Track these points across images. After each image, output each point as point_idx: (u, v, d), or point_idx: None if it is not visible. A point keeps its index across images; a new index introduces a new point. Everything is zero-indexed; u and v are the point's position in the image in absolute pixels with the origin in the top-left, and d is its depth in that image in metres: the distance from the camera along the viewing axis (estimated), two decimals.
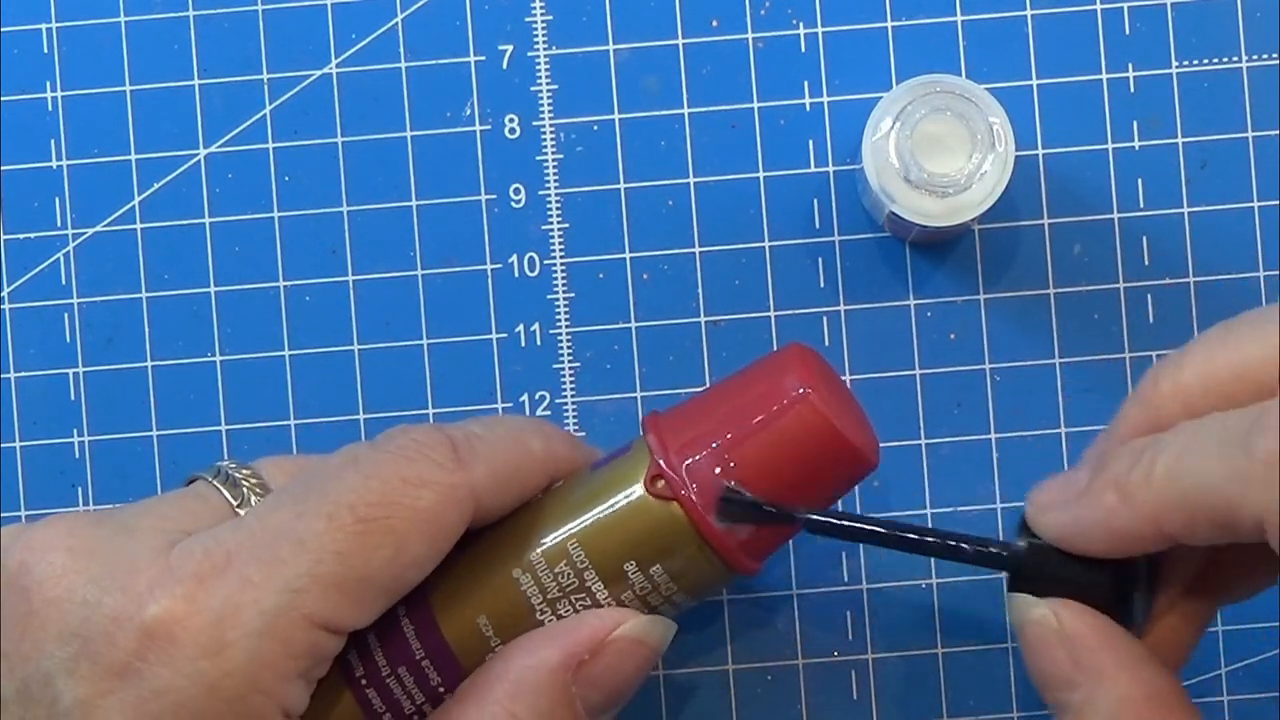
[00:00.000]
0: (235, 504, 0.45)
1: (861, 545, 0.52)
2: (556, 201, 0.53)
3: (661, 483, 0.45)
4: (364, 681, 0.46)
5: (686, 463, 0.45)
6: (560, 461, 0.46)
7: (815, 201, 0.53)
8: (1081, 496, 0.43)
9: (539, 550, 0.45)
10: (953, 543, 0.45)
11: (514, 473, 0.45)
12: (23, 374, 0.53)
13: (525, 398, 0.53)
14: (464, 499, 0.44)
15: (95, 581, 0.42)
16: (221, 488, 0.45)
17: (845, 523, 0.45)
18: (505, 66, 0.53)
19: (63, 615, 0.42)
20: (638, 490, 0.45)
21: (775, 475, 0.45)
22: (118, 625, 0.41)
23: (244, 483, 0.45)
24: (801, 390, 0.45)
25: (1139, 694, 0.42)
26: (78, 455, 0.53)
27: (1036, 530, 0.44)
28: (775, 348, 0.53)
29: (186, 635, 0.41)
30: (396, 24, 0.53)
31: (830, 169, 0.53)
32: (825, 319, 0.53)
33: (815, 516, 0.45)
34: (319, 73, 0.53)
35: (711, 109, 0.53)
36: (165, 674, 0.41)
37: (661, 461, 0.45)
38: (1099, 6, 0.53)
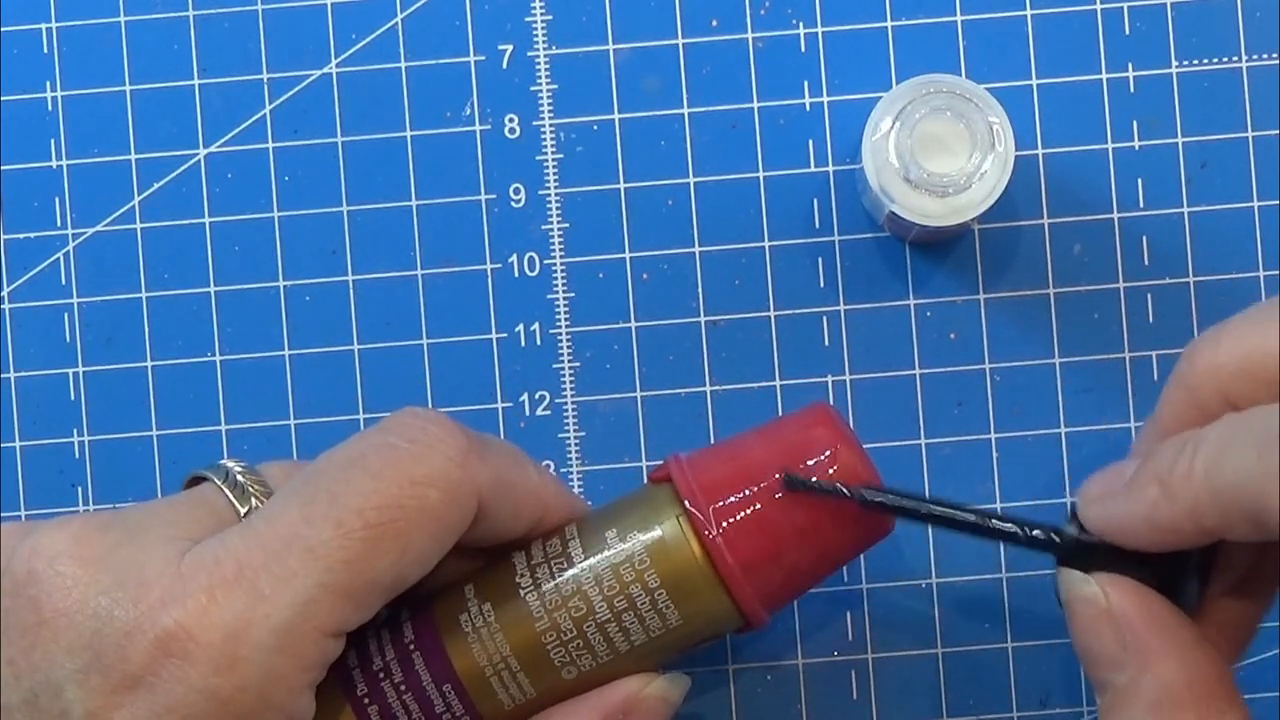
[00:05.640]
0: (242, 512, 0.45)
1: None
2: (556, 201, 0.53)
3: (687, 524, 0.45)
4: (366, 701, 0.46)
5: (713, 507, 0.45)
6: (549, 498, 0.46)
7: (815, 201, 0.53)
8: (1127, 489, 0.42)
9: (553, 584, 0.45)
10: (1006, 527, 0.45)
11: (514, 486, 0.45)
12: (23, 374, 0.53)
13: (525, 398, 0.53)
14: (469, 496, 0.44)
15: (106, 593, 0.42)
16: (229, 493, 0.45)
17: (903, 503, 0.45)
18: (505, 66, 0.53)
19: (74, 627, 0.42)
20: (661, 531, 0.45)
21: (799, 529, 0.45)
22: (129, 638, 0.41)
23: (250, 489, 0.45)
24: (836, 448, 0.45)
25: (1183, 679, 0.42)
26: (78, 455, 0.53)
27: (1084, 523, 0.44)
28: (775, 348, 0.53)
29: (199, 650, 0.41)
30: (396, 24, 0.53)
31: (830, 169, 0.53)
32: (825, 319, 0.53)
33: (874, 497, 0.45)
34: (319, 73, 0.53)
35: (711, 109, 0.53)
36: (178, 689, 0.41)
37: (688, 503, 0.45)
38: (1099, 6, 0.53)
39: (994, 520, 0.45)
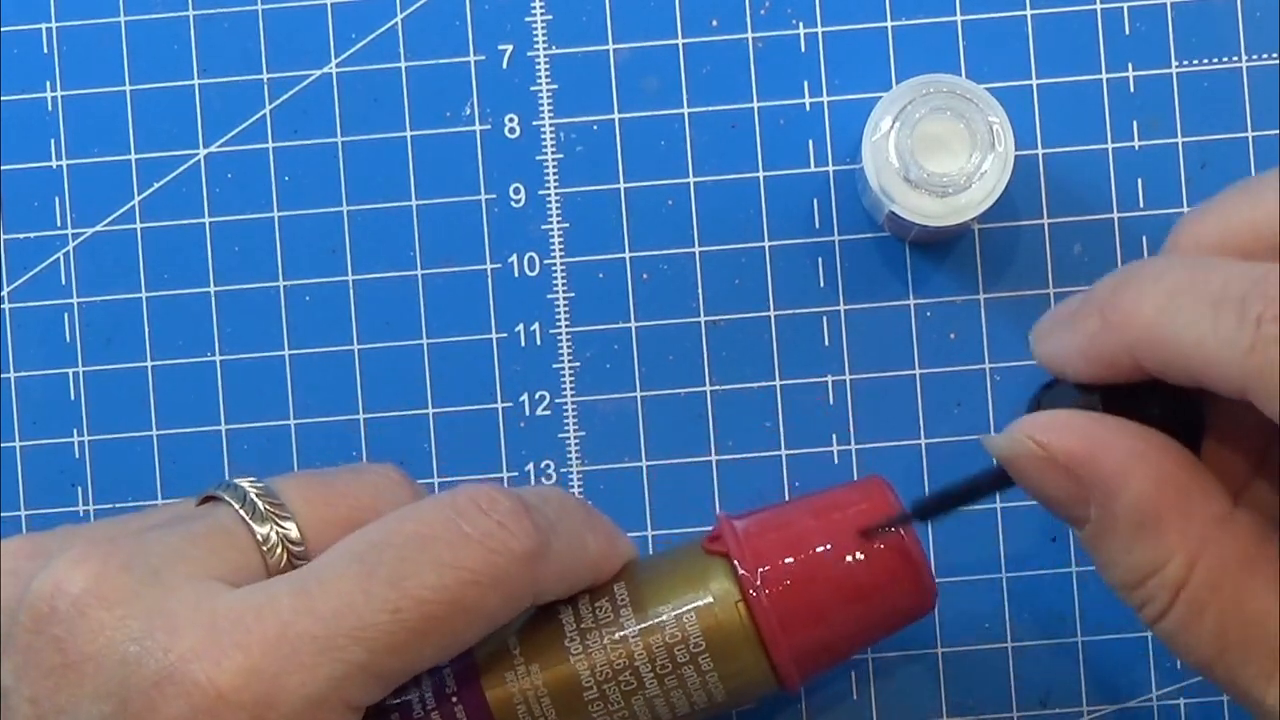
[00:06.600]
0: (262, 542, 0.44)
1: None
2: (556, 201, 0.53)
3: (745, 610, 0.45)
4: None
5: (771, 592, 0.45)
6: (604, 567, 0.46)
7: (815, 201, 0.53)
8: (1069, 321, 0.41)
9: (604, 653, 0.45)
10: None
11: (572, 572, 0.45)
12: (23, 374, 0.53)
13: (525, 397, 0.53)
14: (526, 598, 0.43)
15: (136, 640, 0.41)
16: (249, 521, 0.44)
17: (946, 501, 0.45)
18: (505, 66, 0.53)
19: (101, 671, 0.41)
20: (718, 612, 0.45)
21: (850, 616, 0.46)
22: (159, 689, 0.41)
23: (267, 512, 0.44)
24: (893, 530, 0.45)
25: (1151, 488, 0.39)
26: (78, 455, 0.53)
27: (1036, 359, 0.42)
28: (775, 348, 0.53)
29: (228, 710, 0.40)
30: (396, 24, 0.53)
31: (830, 169, 0.53)
32: (825, 319, 0.53)
33: (927, 508, 0.45)
34: (319, 73, 0.53)
35: (711, 109, 0.53)
36: None
37: (749, 588, 0.45)
38: (1099, 6, 0.53)
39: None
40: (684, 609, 0.45)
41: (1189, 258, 0.39)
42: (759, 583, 0.45)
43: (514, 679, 0.45)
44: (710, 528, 0.47)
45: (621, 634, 0.45)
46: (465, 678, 0.46)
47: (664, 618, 0.45)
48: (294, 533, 0.44)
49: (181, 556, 0.43)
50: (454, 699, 0.45)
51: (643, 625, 0.45)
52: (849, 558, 0.45)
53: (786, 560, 0.45)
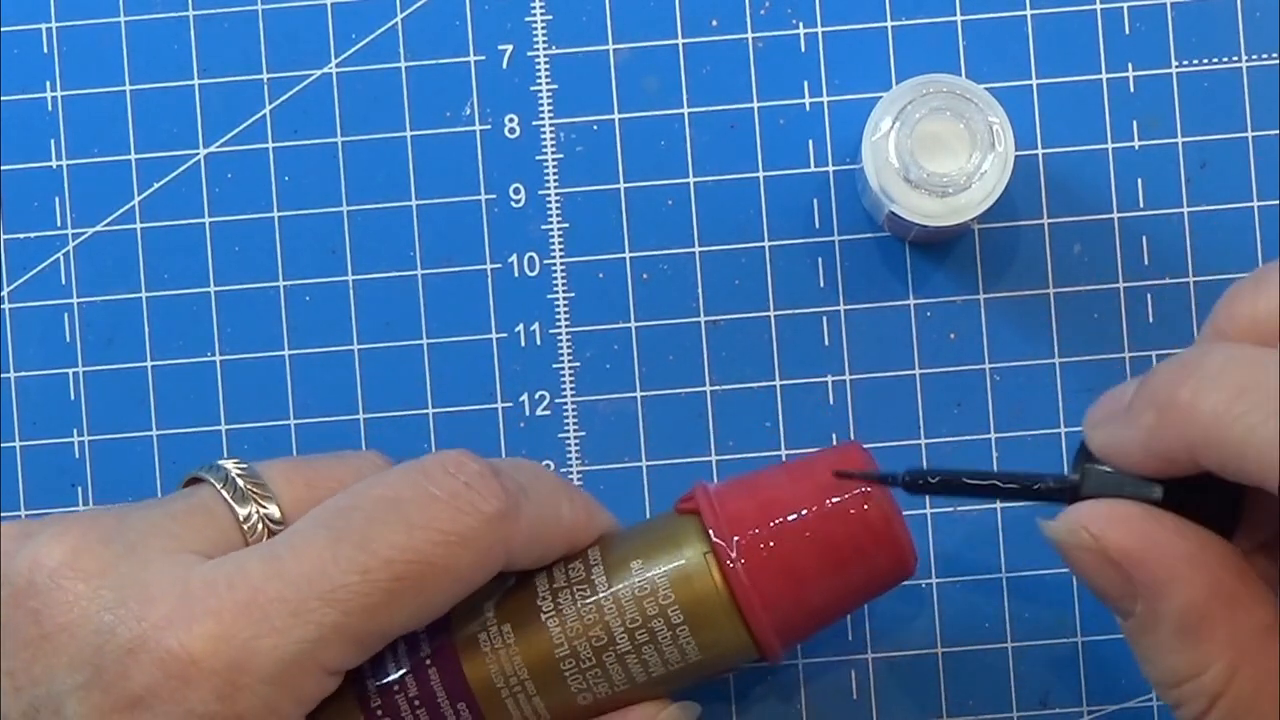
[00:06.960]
0: (243, 521, 0.44)
1: None
2: (556, 201, 0.53)
3: (713, 560, 0.45)
4: (379, 713, 0.46)
5: (740, 544, 0.45)
6: (580, 535, 0.46)
7: (815, 201, 0.53)
8: (1125, 413, 0.41)
9: (575, 611, 0.45)
10: (1027, 484, 0.43)
11: (544, 536, 0.45)
12: (23, 374, 0.53)
13: (525, 398, 0.53)
14: (498, 557, 0.43)
15: (110, 609, 0.41)
16: (228, 498, 0.45)
17: (941, 478, 0.44)
18: (505, 66, 0.53)
19: (75, 642, 0.41)
20: (687, 566, 0.45)
21: (824, 569, 0.45)
22: (133, 657, 0.41)
23: (249, 492, 0.45)
24: (866, 488, 0.45)
25: (1202, 594, 0.39)
26: (78, 455, 0.53)
27: (1090, 449, 0.42)
28: (775, 348, 0.53)
29: (201, 675, 0.41)
30: (396, 24, 0.53)
31: (830, 169, 0.53)
32: (825, 319, 0.53)
33: (920, 479, 0.44)
34: (319, 73, 0.53)
35: (711, 109, 0.53)
36: (176, 711, 0.41)
37: (716, 539, 0.45)
38: (1099, 6, 0.53)
39: (1029, 482, 0.43)
40: (653, 562, 0.45)
41: (1247, 352, 0.39)
42: (734, 552, 0.45)
43: (487, 640, 0.45)
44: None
45: (592, 591, 0.45)
46: (440, 642, 0.46)
47: (633, 573, 0.45)
48: (275, 513, 0.45)
49: (160, 531, 0.43)
50: (428, 662, 0.45)
51: (612, 581, 0.45)
52: (824, 522, 0.45)
53: (758, 523, 0.45)
